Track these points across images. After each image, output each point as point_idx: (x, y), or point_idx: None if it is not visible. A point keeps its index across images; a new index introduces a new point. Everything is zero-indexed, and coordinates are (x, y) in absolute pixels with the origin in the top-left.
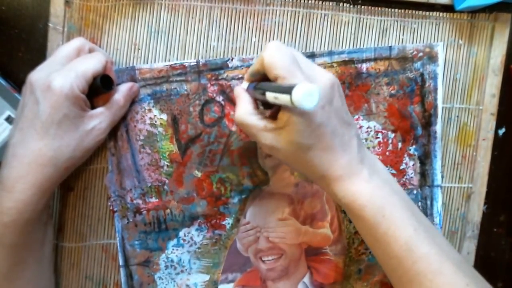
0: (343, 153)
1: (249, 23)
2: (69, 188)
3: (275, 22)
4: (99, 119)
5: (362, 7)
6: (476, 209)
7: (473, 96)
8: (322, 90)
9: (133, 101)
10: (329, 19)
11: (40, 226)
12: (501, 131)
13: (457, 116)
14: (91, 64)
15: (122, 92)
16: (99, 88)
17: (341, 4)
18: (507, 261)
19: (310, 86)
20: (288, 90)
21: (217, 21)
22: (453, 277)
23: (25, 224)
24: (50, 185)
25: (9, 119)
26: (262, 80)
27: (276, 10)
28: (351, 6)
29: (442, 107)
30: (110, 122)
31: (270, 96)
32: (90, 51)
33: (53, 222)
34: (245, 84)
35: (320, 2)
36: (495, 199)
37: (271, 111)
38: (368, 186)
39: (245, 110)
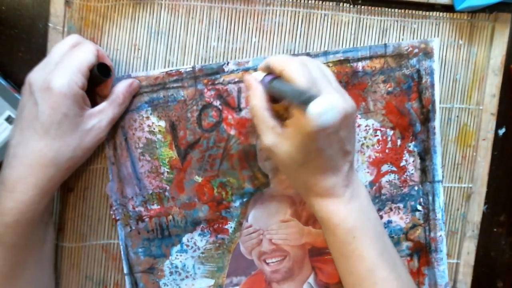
0: (332, 176)
1: (249, 23)
2: (69, 189)
3: (275, 22)
4: (98, 118)
5: (362, 7)
6: (476, 209)
7: (473, 96)
8: (334, 119)
9: (131, 109)
10: (329, 19)
11: (41, 226)
12: (501, 131)
13: (457, 116)
14: (83, 56)
15: (120, 88)
16: (97, 77)
17: (341, 4)
18: (507, 261)
19: (329, 102)
20: (306, 101)
21: (217, 22)
22: None
23: (26, 224)
24: (52, 185)
25: (9, 119)
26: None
27: (276, 10)
28: (351, 6)
29: (442, 107)
30: (110, 120)
31: (287, 98)
32: None
33: (53, 222)
34: (258, 74)
35: (320, 2)
36: (495, 199)
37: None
38: (345, 208)
39: (260, 103)
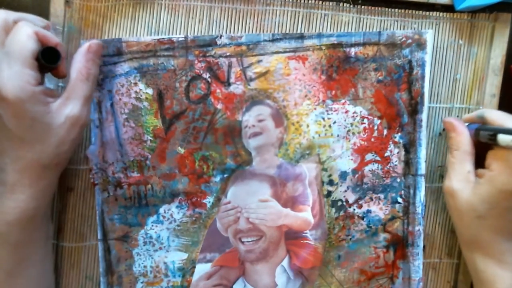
0: (507, 241)
1: (249, 23)
2: (69, 188)
3: (275, 22)
4: (68, 107)
5: (362, 7)
6: None
7: (473, 96)
8: None
9: (120, 73)
10: (329, 19)
11: (43, 223)
12: None
13: (457, 116)
14: (22, 47)
15: (78, 63)
16: (46, 65)
17: (341, 4)
18: None
19: None
20: None
21: (217, 21)
22: None
23: (28, 222)
24: (48, 183)
25: None
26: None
27: (276, 10)
28: (351, 6)
29: (442, 107)
30: (82, 102)
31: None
32: (15, 22)
33: (52, 222)
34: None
35: (320, 2)
36: None
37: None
38: (510, 276)
39: (466, 146)
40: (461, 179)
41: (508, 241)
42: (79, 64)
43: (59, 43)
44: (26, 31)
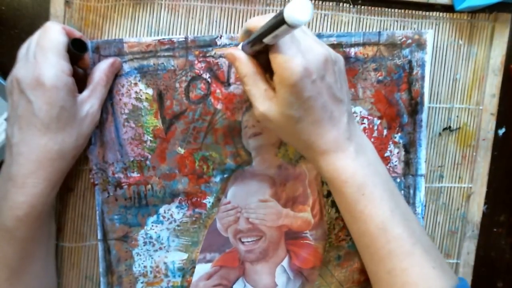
0: (332, 128)
1: None
2: (69, 189)
3: None
4: (90, 103)
5: (362, 7)
6: (476, 209)
7: (473, 96)
8: (315, 64)
9: (119, 74)
10: (329, 19)
11: (48, 219)
12: (501, 131)
13: (457, 116)
14: (56, 40)
15: (103, 69)
16: (76, 55)
17: (341, 4)
18: (507, 261)
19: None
20: (279, 15)
21: (217, 21)
22: (422, 260)
23: (37, 217)
24: (60, 176)
25: None
26: None
27: (276, 10)
28: (351, 6)
29: (442, 107)
30: (100, 102)
31: (269, 38)
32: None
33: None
34: (237, 50)
35: (320, 2)
36: (495, 199)
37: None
38: (352, 163)
39: (250, 69)
40: (263, 100)
41: (332, 127)
42: (103, 71)
43: (82, 35)
44: (56, 27)
